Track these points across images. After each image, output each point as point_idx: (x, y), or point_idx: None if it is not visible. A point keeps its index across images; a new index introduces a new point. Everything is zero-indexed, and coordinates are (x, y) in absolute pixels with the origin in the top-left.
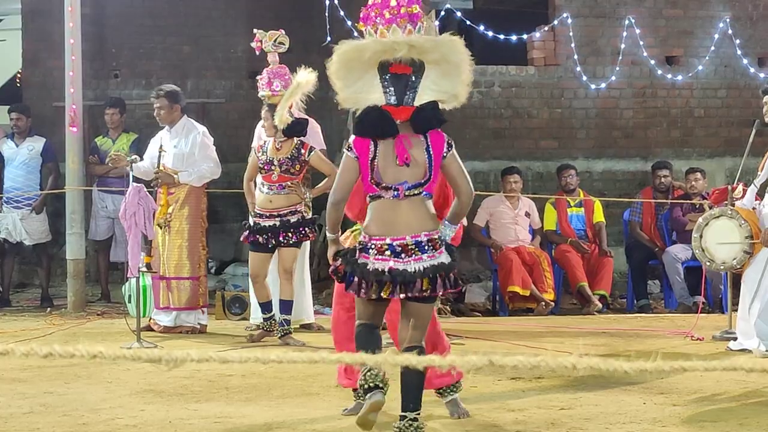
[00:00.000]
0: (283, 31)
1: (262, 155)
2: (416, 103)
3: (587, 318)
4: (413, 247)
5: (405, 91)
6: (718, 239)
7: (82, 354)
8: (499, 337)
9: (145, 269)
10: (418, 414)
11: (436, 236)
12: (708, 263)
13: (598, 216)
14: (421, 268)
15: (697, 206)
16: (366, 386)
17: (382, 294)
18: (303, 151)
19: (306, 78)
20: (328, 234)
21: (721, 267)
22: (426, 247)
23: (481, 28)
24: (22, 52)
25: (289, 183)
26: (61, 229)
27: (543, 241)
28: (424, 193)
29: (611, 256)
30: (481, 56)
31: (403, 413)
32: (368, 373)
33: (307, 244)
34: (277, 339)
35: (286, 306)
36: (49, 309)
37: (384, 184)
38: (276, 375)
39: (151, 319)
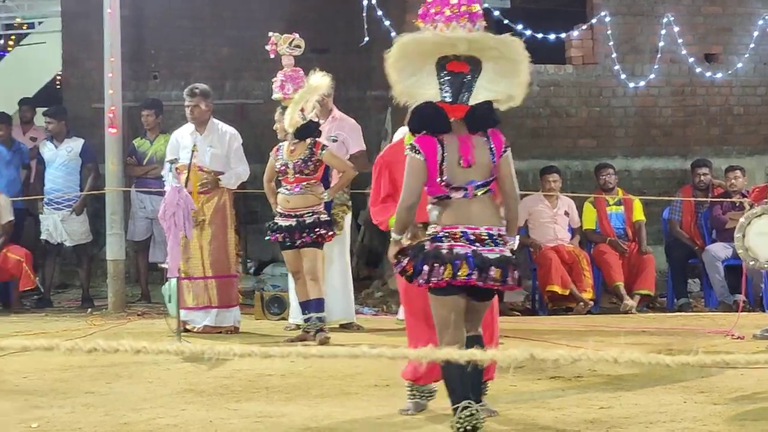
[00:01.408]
0: (297, 35)
1: (278, 159)
2: (471, 103)
3: (627, 317)
4: (486, 237)
5: (461, 90)
6: (762, 238)
7: (126, 349)
8: (538, 336)
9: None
10: (481, 405)
11: (504, 233)
12: (752, 263)
13: (638, 214)
14: (495, 257)
15: (737, 204)
16: (462, 429)
17: (457, 278)
18: (315, 150)
19: (318, 81)
20: (394, 235)
21: (766, 266)
22: (497, 241)
23: (519, 27)
24: (62, 54)
25: (305, 184)
26: (101, 230)
27: (582, 240)
28: (490, 190)
29: (650, 254)
30: None
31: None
32: (462, 415)
33: (347, 243)
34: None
35: (318, 304)
36: (89, 309)
37: (454, 185)
38: (315, 374)
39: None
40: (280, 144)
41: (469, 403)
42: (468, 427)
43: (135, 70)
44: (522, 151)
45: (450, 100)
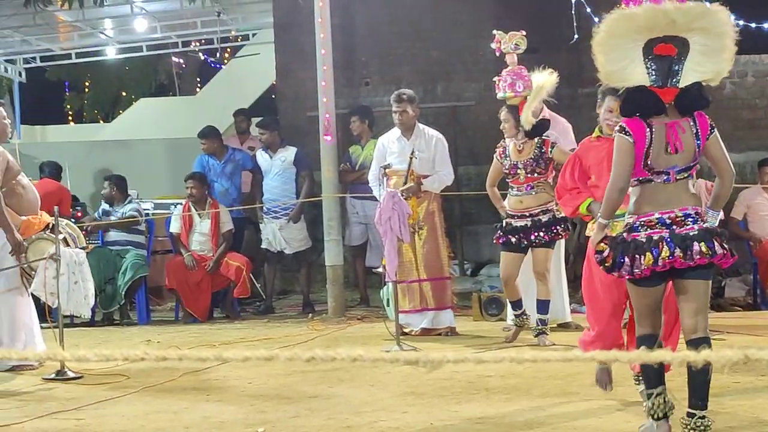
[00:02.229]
0: (523, 32)
1: (505, 160)
2: (681, 85)
3: None
4: (683, 218)
5: (669, 73)
6: None
7: (343, 357)
8: (761, 331)
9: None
10: (706, 412)
11: (702, 211)
12: None
13: None
14: (695, 233)
15: None
16: (655, 415)
17: (660, 262)
18: (545, 148)
19: (547, 79)
20: (600, 220)
21: None
22: (696, 219)
23: (732, 17)
24: (275, 64)
25: (537, 182)
26: (319, 236)
27: None
28: (690, 176)
29: None
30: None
31: (692, 410)
32: (657, 399)
33: (561, 243)
34: (533, 337)
35: (543, 306)
36: (310, 315)
37: (656, 170)
38: (535, 375)
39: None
40: (504, 145)
41: (663, 389)
42: (660, 414)
43: (347, 77)
44: (739, 143)
45: (660, 84)
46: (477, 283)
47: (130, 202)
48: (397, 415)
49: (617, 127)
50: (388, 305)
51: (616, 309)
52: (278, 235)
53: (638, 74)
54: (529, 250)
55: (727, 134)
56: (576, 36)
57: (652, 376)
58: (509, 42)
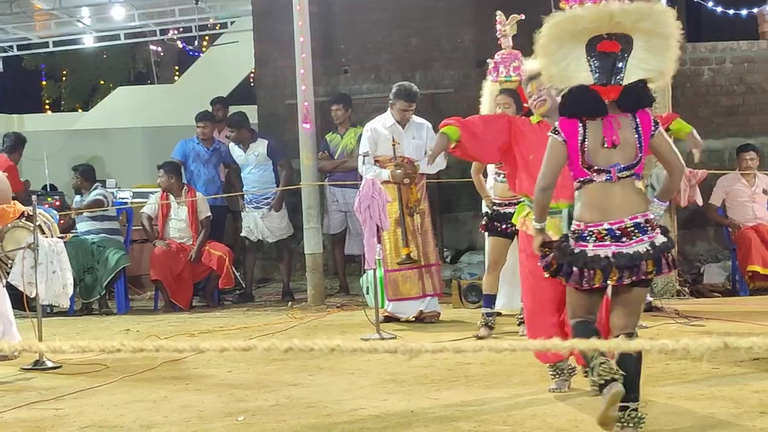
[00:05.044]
0: (522, 16)
1: None
2: (624, 83)
3: None
4: (633, 228)
5: (613, 70)
6: None
7: (321, 348)
8: (740, 317)
9: (407, 261)
10: (638, 404)
11: (651, 217)
12: None
13: None
14: (645, 250)
15: None
16: (602, 381)
17: (608, 281)
18: None
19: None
20: (534, 224)
21: None
22: (645, 228)
23: (710, 3)
24: (254, 52)
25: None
26: (298, 224)
27: None
28: (635, 174)
29: None
30: (710, 32)
31: (624, 404)
32: (602, 367)
33: None
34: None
35: None
36: (290, 303)
37: (596, 167)
38: (514, 362)
39: (385, 311)
40: None
41: (603, 355)
42: (608, 378)
43: (326, 65)
44: (717, 130)
45: (603, 81)
46: (457, 271)
47: (95, 188)
48: (377, 403)
49: (551, 128)
50: (367, 293)
51: (557, 303)
52: (260, 224)
53: (582, 73)
54: (516, 236)
55: (706, 121)
56: None
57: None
58: (509, 24)
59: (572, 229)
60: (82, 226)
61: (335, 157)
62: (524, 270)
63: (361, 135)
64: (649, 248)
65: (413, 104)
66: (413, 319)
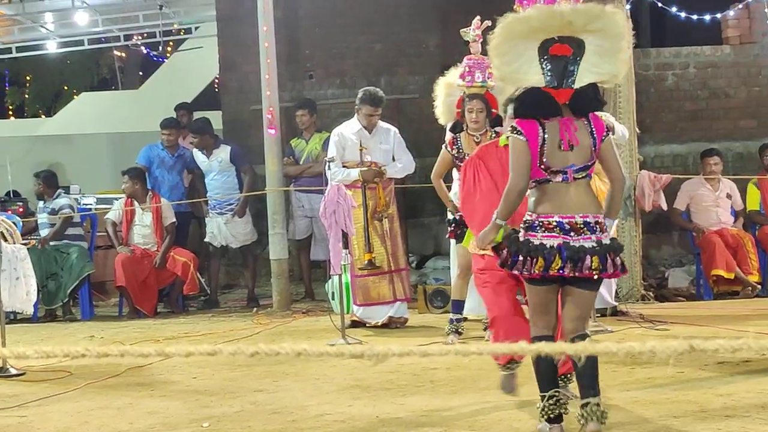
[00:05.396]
0: (490, 22)
1: (456, 151)
2: (576, 86)
3: None
4: (582, 226)
5: (564, 74)
6: None
7: (287, 352)
8: (704, 321)
9: (369, 266)
10: (599, 398)
11: (602, 220)
12: None
13: None
14: (591, 246)
15: None
16: (547, 416)
17: (550, 271)
18: None
19: None
20: (498, 221)
21: None
22: (594, 228)
23: (674, 9)
24: (219, 58)
25: None
26: (264, 230)
27: (746, 222)
28: (588, 176)
29: None
30: (674, 38)
31: (585, 400)
32: (548, 403)
33: None
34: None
35: None
36: (255, 309)
37: (553, 169)
38: (480, 367)
39: (353, 314)
40: (456, 136)
41: (556, 391)
42: (552, 415)
43: (291, 71)
44: (681, 134)
45: (554, 84)
46: (422, 276)
47: (59, 196)
48: (343, 408)
49: (509, 128)
50: (333, 299)
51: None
52: (224, 229)
53: (534, 75)
54: None
55: (670, 125)
56: None
57: (546, 379)
58: (477, 30)
59: (524, 219)
60: (44, 233)
61: (300, 163)
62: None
63: (326, 140)
64: (595, 245)
65: (379, 109)
66: (380, 324)
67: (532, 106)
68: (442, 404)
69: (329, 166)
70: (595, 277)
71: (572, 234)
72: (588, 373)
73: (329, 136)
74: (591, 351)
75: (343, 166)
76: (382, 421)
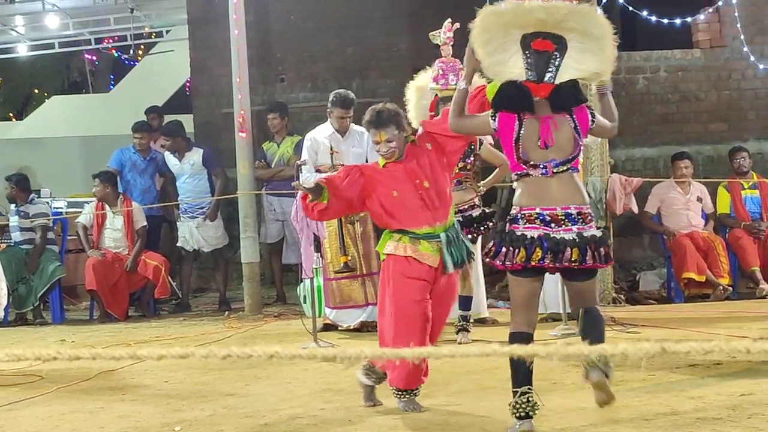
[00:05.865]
0: (458, 25)
1: None
2: (557, 82)
3: (765, 302)
4: (563, 218)
5: (546, 69)
6: None
7: (259, 354)
8: (675, 324)
9: (344, 269)
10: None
11: (587, 211)
12: None
13: None
14: (571, 238)
15: None
16: (517, 414)
17: (531, 261)
18: (474, 145)
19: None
20: (461, 84)
21: None
22: (576, 219)
23: (644, 13)
24: (190, 61)
25: (464, 178)
26: (235, 234)
27: (717, 225)
28: (572, 168)
29: None
30: (645, 41)
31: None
32: (520, 399)
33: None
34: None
35: (466, 302)
36: (227, 312)
37: (532, 162)
38: (453, 370)
39: (326, 317)
40: None
41: (528, 389)
42: (522, 413)
43: (262, 74)
44: (652, 138)
45: (535, 79)
46: None
47: (32, 201)
48: (315, 412)
49: (489, 111)
50: (305, 302)
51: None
52: (195, 233)
53: (517, 68)
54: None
55: (641, 129)
56: None
57: (519, 376)
58: (449, 32)
59: (509, 213)
60: (16, 236)
61: (272, 166)
62: (398, 294)
63: (297, 143)
64: (576, 237)
65: (350, 111)
66: (353, 328)
67: (507, 99)
68: None
69: (301, 169)
70: (575, 267)
71: (553, 225)
72: (598, 340)
73: (301, 140)
74: (563, 353)
75: (316, 171)
76: (354, 425)
